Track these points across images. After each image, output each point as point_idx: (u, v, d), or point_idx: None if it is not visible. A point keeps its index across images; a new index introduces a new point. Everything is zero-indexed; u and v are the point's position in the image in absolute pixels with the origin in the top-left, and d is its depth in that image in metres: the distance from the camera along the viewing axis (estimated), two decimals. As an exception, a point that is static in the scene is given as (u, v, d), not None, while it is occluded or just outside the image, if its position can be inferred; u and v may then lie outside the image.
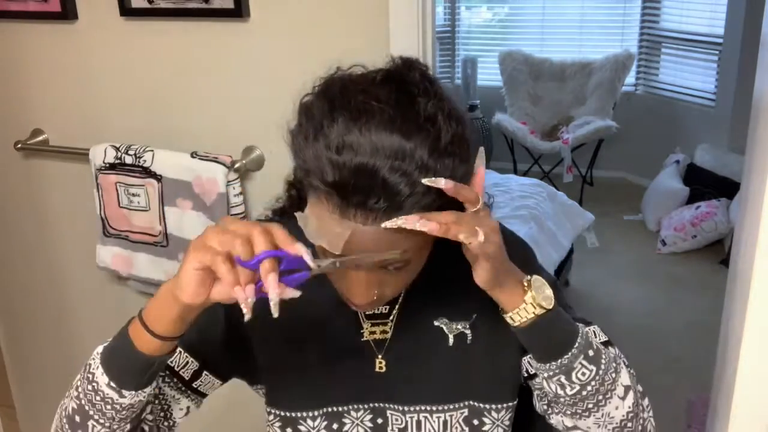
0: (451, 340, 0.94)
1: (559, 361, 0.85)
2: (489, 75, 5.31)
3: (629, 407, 0.91)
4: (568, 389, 0.87)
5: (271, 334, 0.94)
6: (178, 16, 1.57)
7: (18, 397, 2.22)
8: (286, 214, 0.99)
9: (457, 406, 0.95)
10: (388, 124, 0.71)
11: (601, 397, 0.88)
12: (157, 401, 0.92)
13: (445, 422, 0.95)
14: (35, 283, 2.01)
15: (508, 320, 0.83)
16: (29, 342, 2.10)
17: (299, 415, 0.95)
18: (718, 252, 3.97)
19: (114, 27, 1.64)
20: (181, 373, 0.93)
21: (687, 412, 2.69)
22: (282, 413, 0.96)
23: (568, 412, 0.91)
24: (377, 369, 0.95)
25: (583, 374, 0.86)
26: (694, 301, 3.56)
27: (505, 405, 0.95)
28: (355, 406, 0.96)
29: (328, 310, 0.93)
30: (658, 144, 4.79)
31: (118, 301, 1.91)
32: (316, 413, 0.95)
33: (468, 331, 0.94)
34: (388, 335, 0.95)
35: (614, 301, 3.54)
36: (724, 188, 4.01)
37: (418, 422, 0.96)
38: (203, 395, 0.96)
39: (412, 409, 0.96)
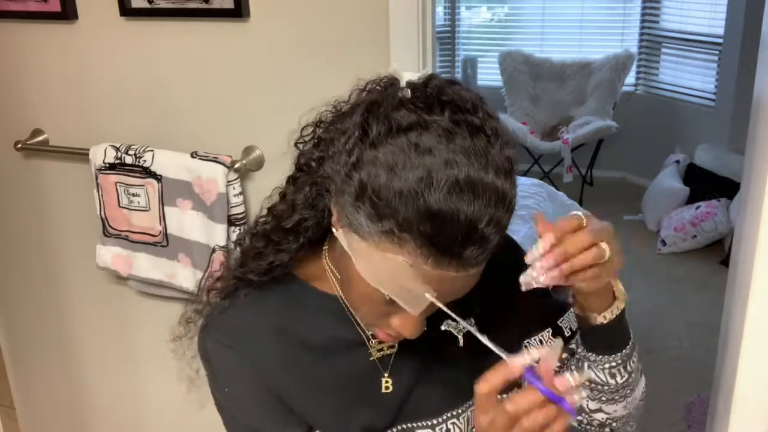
0: (461, 341, 0.90)
1: (623, 351, 0.84)
2: (489, 75, 5.31)
3: (643, 386, 0.92)
4: (618, 378, 0.86)
5: (291, 385, 0.88)
6: (178, 16, 1.57)
7: (18, 397, 2.22)
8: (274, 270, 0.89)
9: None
10: (481, 169, 0.68)
11: (633, 382, 0.88)
12: None
13: (468, 418, 0.93)
14: (35, 283, 2.01)
15: (599, 320, 0.80)
16: (29, 342, 2.10)
17: None
18: (718, 252, 3.96)
19: (114, 27, 1.64)
20: None
21: (687, 412, 2.69)
22: None
23: (604, 399, 0.89)
24: (384, 390, 0.91)
25: (633, 362, 0.86)
26: (694, 301, 3.56)
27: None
28: None
29: (330, 348, 0.89)
30: (658, 144, 4.79)
31: (118, 301, 1.91)
32: None
33: (475, 327, 0.90)
34: (395, 349, 0.91)
35: (614, 301, 3.53)
36: (724, 188, 4.00)
37: (447, 430, 0.93)
38: None
39: (440, 419, 0.92)
